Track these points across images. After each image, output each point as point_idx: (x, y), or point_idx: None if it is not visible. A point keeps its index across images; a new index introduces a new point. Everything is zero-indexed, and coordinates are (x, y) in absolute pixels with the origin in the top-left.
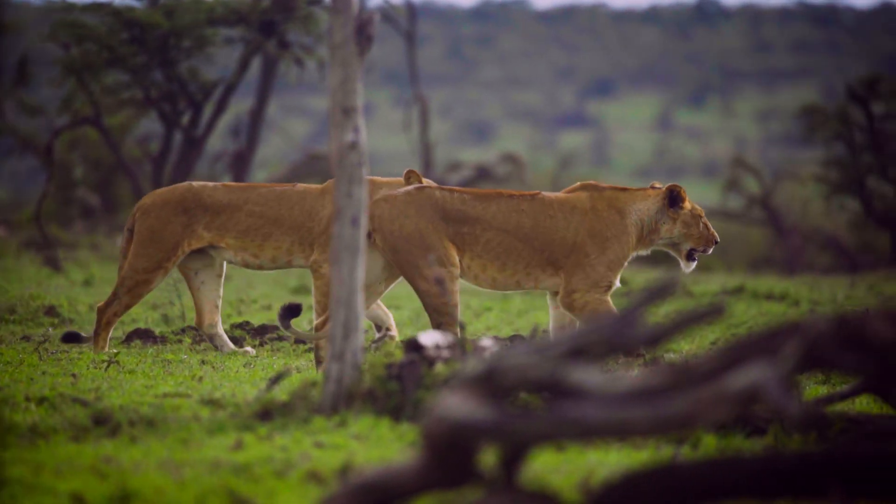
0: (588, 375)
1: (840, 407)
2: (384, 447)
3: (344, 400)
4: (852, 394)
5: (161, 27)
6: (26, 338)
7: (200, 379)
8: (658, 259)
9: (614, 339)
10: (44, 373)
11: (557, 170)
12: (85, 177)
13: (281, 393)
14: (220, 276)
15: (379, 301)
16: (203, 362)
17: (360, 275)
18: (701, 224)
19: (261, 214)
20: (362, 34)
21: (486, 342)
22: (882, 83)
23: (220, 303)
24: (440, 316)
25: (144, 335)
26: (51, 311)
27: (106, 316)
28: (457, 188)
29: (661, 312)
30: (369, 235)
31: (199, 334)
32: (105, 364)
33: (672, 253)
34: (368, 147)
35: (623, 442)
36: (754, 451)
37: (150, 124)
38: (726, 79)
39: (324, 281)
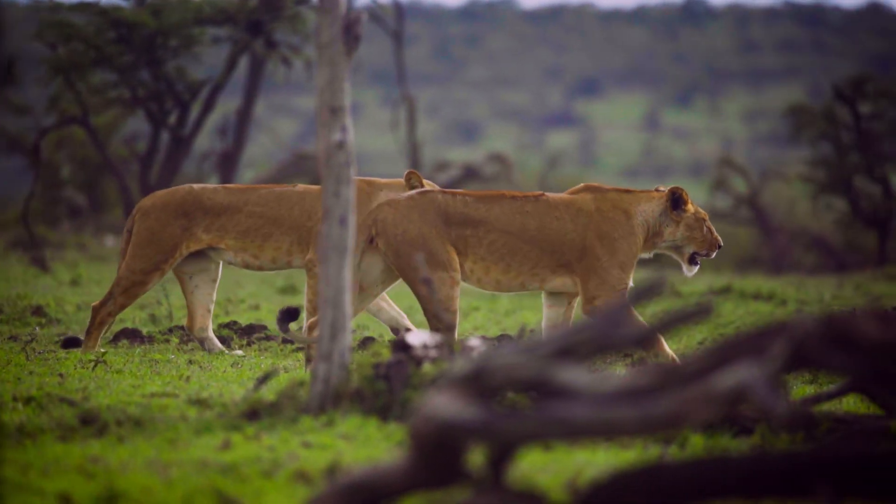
0: (576, 375)
1: (827, 407)
2: (372, 447)
3: (331, 400)
4: (839, 393)
5: (148, 26)
6: (13, 338)
7: (188, 379)
8: (647, 260)
9: (602, 339)
10: (31, 372)
11: (545, 169)
12: (72, 176)
13: (268, 393)
14: (214, 280)
15: (391, 302)
16: (190, 362)
17: (348, 274)
18: (704, 228)
19: (261, 215)
20: (350, 34)
21: (474, 342)
22: (869, 83)
23: (212, 307)
24: (439, 322)
25: (132, 335)
26: (38, 310)
27: (100, 315)
28: (459, 191)
29: (649, 312)
30: (372, 239)
31: (187, 335)
32: (92, 364)
33: (674, 256)
34: (356, 146)
35: (610, 441)
36: (741, 451)
37: (138, 124)
38: (713, 78)
39: (317, 280)
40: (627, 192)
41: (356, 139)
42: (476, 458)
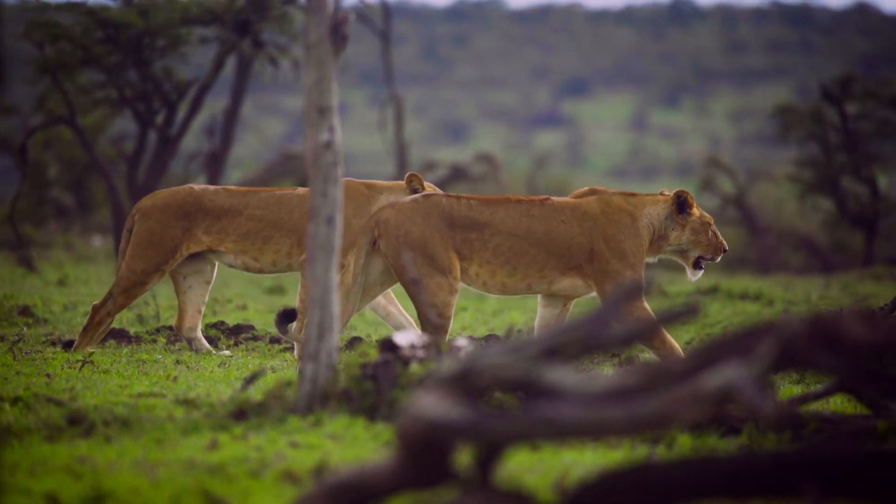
0: (563, 375)
1: (814, 407)
2: (359, 447)
3: (319, 400)
4: (826, 393)
5: (135, 26)
6: (0, 338)
7: (175, 379)
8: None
9: (589, 339)
10: (18, 373)
11: (532, 170)
12: (59, 176)
13: (256, 393)
14: (208, 282)
15: (401, 308)
16: (178, 362)
17: (335, 274)
18: (710, 232)
19: (261, 218)
20: (337, 34)
21: (462, 342)
22: (856, 83)
23: (203, 308)
24: (433, 326)
25: (119, 335)
26: (25, 311)
27: (99, 315)
28: (464, 195)
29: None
30: (374, 241)
31: (175, 334)
32: (79, 364)
33: (679, 261)
34: (344, 146)
35: (598, 441)
36: (729, 451)
37: (125, 124)
38: (700, 79)
39: None
40: (632, 195)
41: (344, 139)
42: (463, 458)
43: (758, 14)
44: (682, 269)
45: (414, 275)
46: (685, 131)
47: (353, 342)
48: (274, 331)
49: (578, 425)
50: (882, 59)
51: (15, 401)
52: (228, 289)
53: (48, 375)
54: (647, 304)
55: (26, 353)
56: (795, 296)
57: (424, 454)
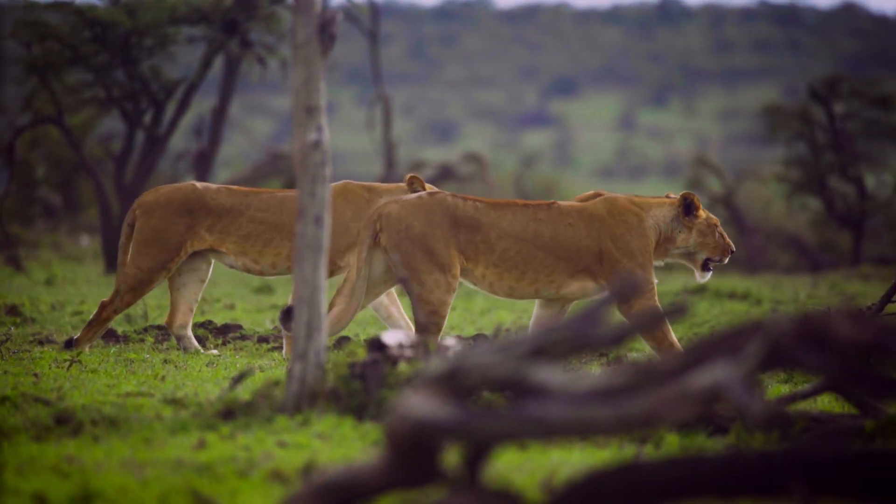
0: (551, 374)
1: (802, 406)
2: (347, 446)
3: (307, 399)
4: (814, 393)
5: (123, 26)
6: None
7: (163, 378)
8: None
9: (578, 338)
10: (6, 372)
11: (520, 169)
12: (46, 176)
13: (244, 392)
14: (203, 281)
15: (402, 311)
16: (166, 361)
17: (323, 274)
18: (716, 233)
19: (262, 220)
20: (325, 33)
21: (450, 341)
22: (843, 83)
23: (195, 307)
24: (427, 323)
25: (107, 334)
26: (13, 310)
27: (105, 312)
28: (470, 196)
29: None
30: (376, 235)
31: (163, 333)
32: (67, 363)
33: (687, 264)
34: (332, 146)
35: (586, 441)
36: (717, 450)
37: (113, 123)
38: (688, 78)
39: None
40: (638, 197)
41: (332, 139)
42: (451, 457)
43: (745, 14)
44: (671, 269)
45: (412, 270)
46: (673, 131)
47: (342, 341)
48: (262, 330)
49: (566, 425)
50: (869, 59)
51: (2, 400)
52: (216, 288)
53: (36, 375)
54: (656, 300)
55: (14, 352)
56: (783, 295)
57: (412, 454)
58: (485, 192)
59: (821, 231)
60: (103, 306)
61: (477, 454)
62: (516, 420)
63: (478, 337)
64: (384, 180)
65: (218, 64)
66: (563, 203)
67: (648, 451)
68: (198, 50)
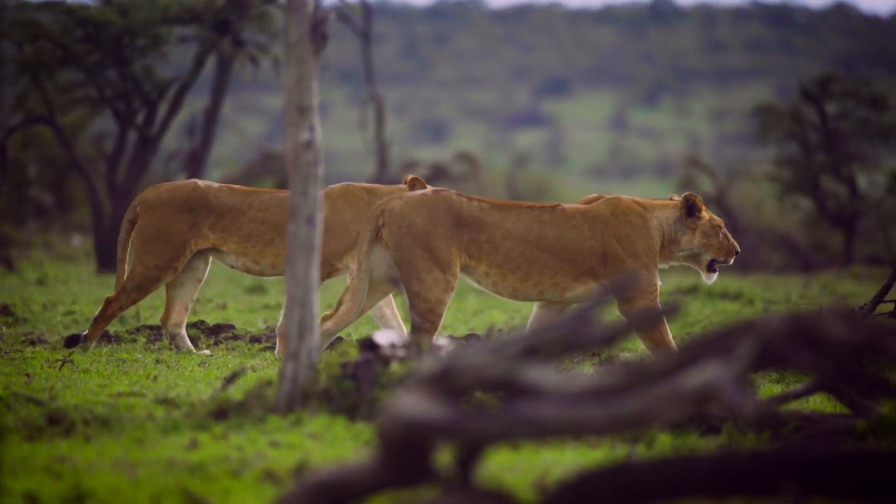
0: (543, 374)
1: (794, 406)
2: (339, 446)
3: (299, 399)
4: (806, 392)
5: (115, 25)
6: None
7: (155, 378)
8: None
9: (570, 338)
10: None
11: (512, 169)
12: (38, 176)
13: (236, 392)
14: (199, 280)
15: (396, 313)
16: (158, 361)
17: (316, 274)
18: (721, 234)
19: (263, 220)
20: (317, 32)
21: (442, 341)
22: (835, 83)
23: (190, 306)
24: (423, 321)
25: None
26: (4, 310)
27: (111, 309)
28: (475, 196)
29: (616, 312)
30: (378, 230)
31: (155, 333)
32: (59, 363)
33: (693, 266)
34: (324, 146)
35: (578, 441)
36: (709, 450)
37: (105, 123)
38: (680, 78)
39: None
40: (642, 199)
41: (324, 138)
42: (444, 457)
43: (737, 14)
44: (664, 270)
45: (412, 267)
46: (665, 131)
47: (334, 341)
48: (254, 330)
49: (559, 424)
50: (861, 59)
51: None
52: (208, 288)
53: (28, 375)
54: (658, 301)
55: (6, 352)
56: (775, 295)
57: (405, 453)
58: (477, 192)
59: (813, 231)
60: (108, 302)
61: (469, 454)
62: (509, 420)
63: (470, 337)
64: (376, 180)
65: (210, 63)
66: (567, 206)
67: (641, 451)
68: (190, 50)
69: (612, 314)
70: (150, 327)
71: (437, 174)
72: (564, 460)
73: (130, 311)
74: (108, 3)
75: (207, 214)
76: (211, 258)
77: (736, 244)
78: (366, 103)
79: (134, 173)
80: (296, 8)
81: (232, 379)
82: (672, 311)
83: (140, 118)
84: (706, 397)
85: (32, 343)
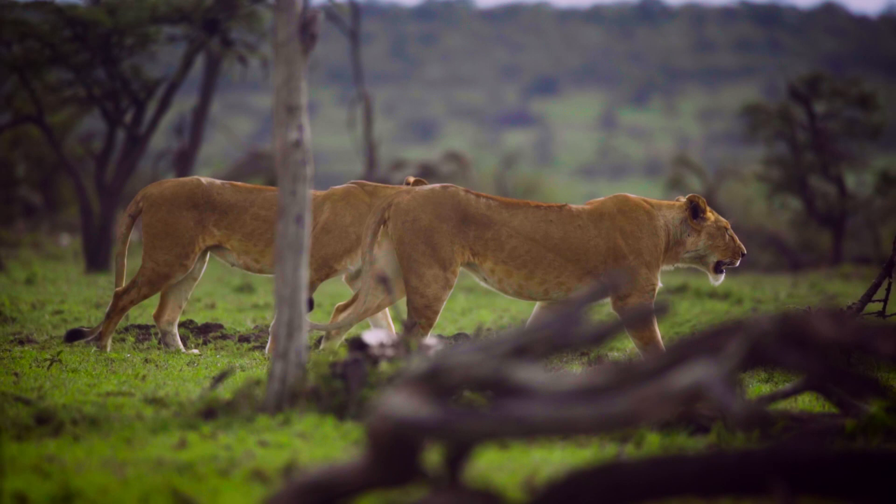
0: (532, 374)
1: (783, 405)
2: (328, 446)
3: (288, 398)
4: (795, 392)
5: (104, 25)
6: None
7: (144, 377)
8: None
9: (558, 337)
10: None
11: (501, 168)
12: (27, 175)
13: (225, 391)
14: (195, 279)
15: (388, 315)
16: (146, 361)
17: (305, 273)
18: (727, 236)
19: (265, 219)
20: (306, 32)
21: (431, 341)
22: (823, 82)
23: (184, 304)
24: (419, 317)
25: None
26: None
27: (122, 302)
28: (483, 193)
29: (606, 311)
30: (384, 223)
31: (144, 332)
32: (48, 363)
33: (699, 267)
34: (313, 145)
35: (567, 440)
36: (698, 450)
37: (93, 122)
38: (669, 78)
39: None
40: (648, 199)
41: (313, 138)
42: (433, 456)
43: (726, 13)
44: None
45: (413, 262)
46: (654, 130)
47: (321, 341)
48: (243, 329)
49: (547, 424)
50: (850, 59)
51: None
52: (197, 287)
53: (16, 374)
54: (652, 299)
55: None
56: (764, 294)
57: (393, 453)
58: None
59: (801, 230)
60: (118, 296)
61: (458, 454)
62: (497, 419)
63: (459, 336)
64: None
65: (199, 63)
66: (574, 206)
67: (629, 451)
68: (178, 49)
69: (602, 312)
70: (139, 327)
71: (426, 174)
72: (553, 460)
73: None
74: (97, 3)
75: (211, 211)
76: (208, 257)
77: (742, 246)
78: (354, 103)
79: (122, 173)
80: (284, 7)
81: (221, 378)
82: (661, 310)
83: (128, 117)
84: (695, 397)
85: (21, 342)
